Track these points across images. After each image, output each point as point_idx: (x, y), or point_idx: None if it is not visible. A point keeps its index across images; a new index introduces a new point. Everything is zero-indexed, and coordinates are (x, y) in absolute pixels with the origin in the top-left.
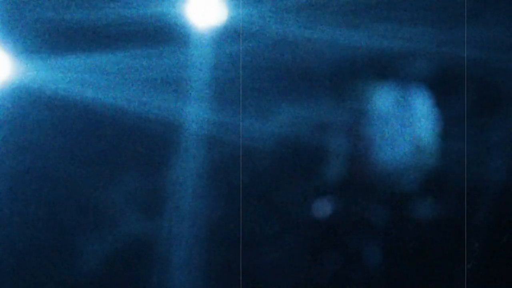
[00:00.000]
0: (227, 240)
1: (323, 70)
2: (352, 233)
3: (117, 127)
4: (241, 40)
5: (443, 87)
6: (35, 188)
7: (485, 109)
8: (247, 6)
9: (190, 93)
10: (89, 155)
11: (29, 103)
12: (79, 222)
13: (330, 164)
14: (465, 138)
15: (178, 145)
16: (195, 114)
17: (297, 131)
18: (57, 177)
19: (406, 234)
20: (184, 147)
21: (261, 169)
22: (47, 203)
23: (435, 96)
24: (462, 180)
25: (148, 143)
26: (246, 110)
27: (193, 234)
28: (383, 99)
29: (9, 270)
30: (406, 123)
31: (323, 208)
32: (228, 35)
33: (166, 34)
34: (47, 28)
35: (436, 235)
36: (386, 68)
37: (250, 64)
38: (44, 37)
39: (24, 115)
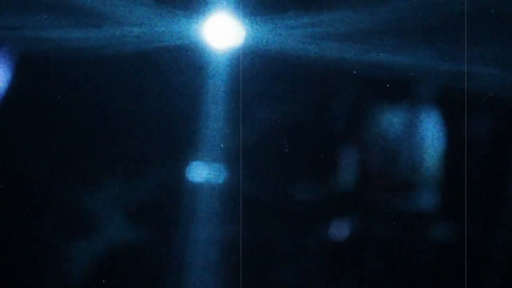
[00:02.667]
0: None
1: (331, 88)
2: (359, 252)
3: (133, 143)
4: (241, 59)
5: (443, 105)
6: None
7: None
8: (254, 25)
9: (205, 111)
10: (101, 169)
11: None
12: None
13: (337, 182)
14: (465, 153)
15: (193, 160)
16: (210, 131)
17: (303, 149)
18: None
19: (417, 253)
20: (199, 162)
21: (264, 188)
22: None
23: (438, 113)
24: (471, 198)
25: (160, 149)
26: (247, 125)
27: (193, 249)
28: (388, 117)
29: None
30: (412, 141)
31: (330, 228)
32: (234, 54)
33: (180, 53)
34: (59, 47)
35: (447, 254)
36: (387, 85)
37: (256, 81)
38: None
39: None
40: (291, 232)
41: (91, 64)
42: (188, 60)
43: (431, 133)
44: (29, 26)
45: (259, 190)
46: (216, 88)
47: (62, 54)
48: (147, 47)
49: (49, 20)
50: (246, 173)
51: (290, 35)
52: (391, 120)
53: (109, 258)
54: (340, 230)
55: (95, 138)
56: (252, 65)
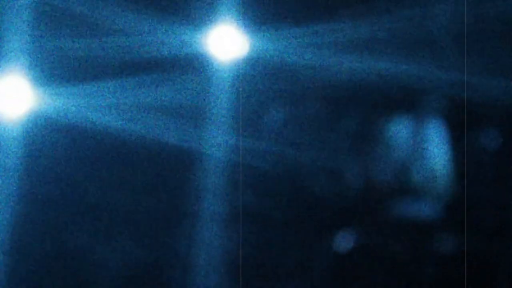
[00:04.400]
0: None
1: (331, 97)
2: (366, 266)
3: (137, 153)
4: (240, 67)
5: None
6: (55, 214)
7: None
8: (261, 36)
9: (208, 120)
10: (107, 180)
11: (50, 130)
12: (93, 247)
13: (342, 194)
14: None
15: (196, 171)
16: (213, 140)
17: (314, 160)
18: (77, 202)
19: (424, 266)
20: (202, 172)
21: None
22: (67, 228)
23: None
24: (484, 211)
25: (165, 168)
26: (248, 133)
27: (205, 262)
28: (391, 126)
29: None
30: (419, 152)
31: (337, 241)
32: (243, 64)
33: (184, 63)
34: (67, 57)
35: (456, 266)
36: (388, 94)
37: (256, 91)
38: (64, 66)
39: (45, 142)
40: (295, 244)
41: (95, 73)
42: (189, 70)
43: (435, 143)
44: (37, 35)
45: (259, 198)
46: (217, 97)
47: (66, 62)
48: (149, 57)
49: (53, 30)
50: (246, 181)
51: (291, 44)
52: (394, 129)
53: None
54: (345, 241)
55: (96, 152)
56: (253, 75)
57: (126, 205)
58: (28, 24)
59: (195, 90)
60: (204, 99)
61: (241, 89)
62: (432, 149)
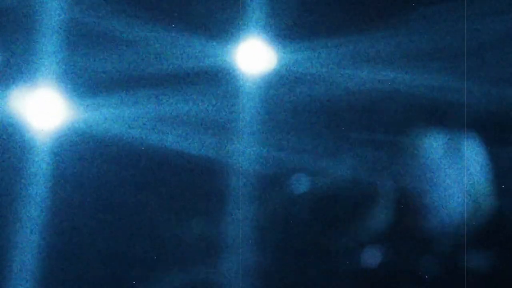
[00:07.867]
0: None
1: (367, 108)
2: (402, 285)
3: (170, 164)
4: (266, 79)
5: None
6: (83, 219)
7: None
8: (289, 52)
9: (241, 133)
10: (144, 192)
11: (80, 140)
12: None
13: (376, 211)
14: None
15: (230, 182)
16: (241, 151)
17: (348, 175)
18: (105, 211)
19: (452, 282)
20: (236, 184)
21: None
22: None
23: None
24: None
25: (200, 180)
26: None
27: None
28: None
29: None
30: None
31: (370, 258)
32: (269, 76)
33: (210, 76)
34: (107, 76)
35: (487, 283)
36: (419, 106)
37: (290, 103)
38: (103, 84)
39: (76, 151)
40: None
41: (124, 86)
42: (218, 83)
43: (468, 157)
44: (67, 50)
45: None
46: (244, 109)
47: (100, 74)
48: (176, 69)
49: (83, 45)
50: (271, 191)
51: (316, 56)
52: (425, 142)
53: None
54: (373, 257)
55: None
56: (279, 87)
57: (147, 209)
58: (59, 41)
59: (224, 103)
60: (231, 111)
61: (267, 101)
62: (465, 164)
